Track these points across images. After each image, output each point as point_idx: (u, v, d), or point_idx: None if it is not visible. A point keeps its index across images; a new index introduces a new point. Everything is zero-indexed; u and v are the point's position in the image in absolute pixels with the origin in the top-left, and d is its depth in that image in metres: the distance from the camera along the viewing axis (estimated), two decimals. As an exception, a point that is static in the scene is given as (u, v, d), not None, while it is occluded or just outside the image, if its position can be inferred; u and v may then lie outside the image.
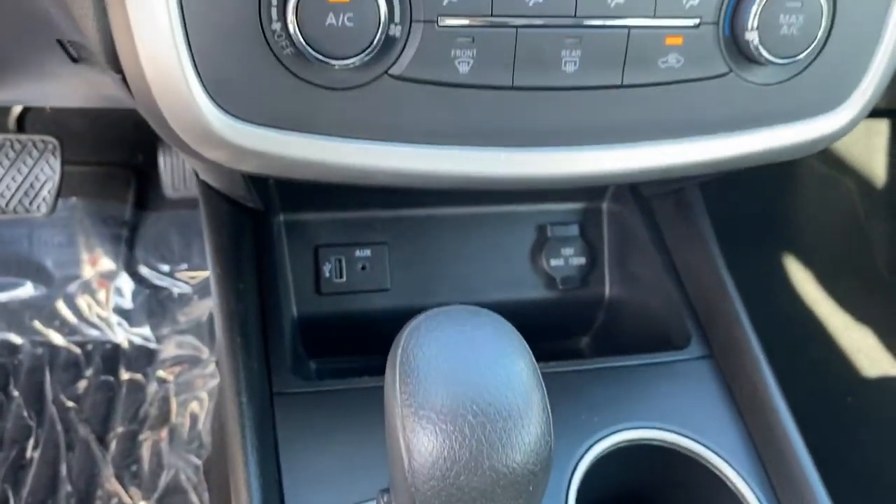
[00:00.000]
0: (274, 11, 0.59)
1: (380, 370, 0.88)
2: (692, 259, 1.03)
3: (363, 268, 1.05)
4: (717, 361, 0.93)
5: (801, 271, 1.69)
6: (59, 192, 1.59)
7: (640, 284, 1.08)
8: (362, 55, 0.60)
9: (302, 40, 0.59)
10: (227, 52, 0.60)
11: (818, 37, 0.68)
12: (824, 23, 0.68)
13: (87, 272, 1.79)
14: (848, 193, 1.66)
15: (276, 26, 0.60)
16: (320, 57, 0.59)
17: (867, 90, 0.73)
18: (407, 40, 0.62)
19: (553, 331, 1.13)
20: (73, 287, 1.77)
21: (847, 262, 1.69)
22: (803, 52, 0.68)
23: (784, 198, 1.71)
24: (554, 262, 1.10)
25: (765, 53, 0.67)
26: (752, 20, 0.66)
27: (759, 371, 0.89)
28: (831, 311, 1.66)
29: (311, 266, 1.04)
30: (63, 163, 1.61)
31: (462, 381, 0.50)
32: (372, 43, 0.60)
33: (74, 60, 0.85)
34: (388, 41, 0.61)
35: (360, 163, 0.66)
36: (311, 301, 1.03)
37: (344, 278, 1.05)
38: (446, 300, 1.07)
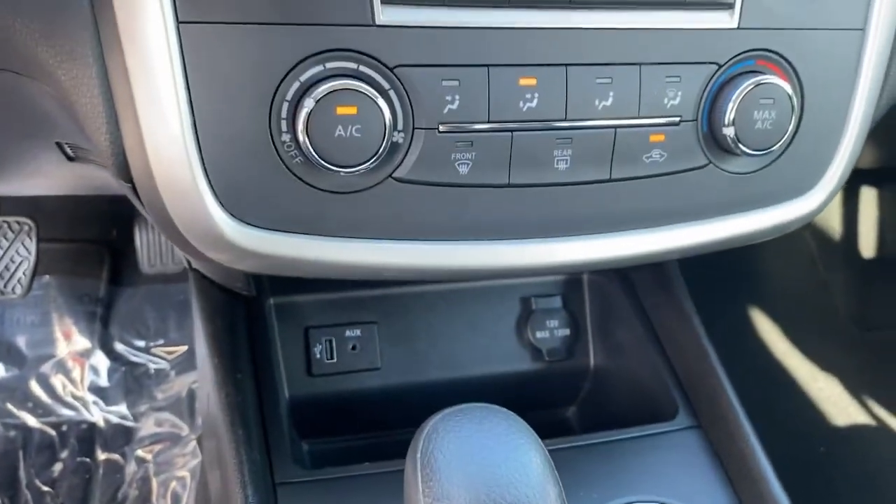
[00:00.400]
0: (284, 124, 0.62)
1: (379, 454, 0.90)
2: (673, 328, 1.07)
3: (353, 347, 1.07)
4: (705, 431, 0.96)
5: (767, 323, 1.74)
6: (35, 273, 1.58)
7: (623, 354, 1.11)
8: (369, 163, 0.63)
9: (312, 151, 0.61)
10: (238, 162, 0.63)
11: (789, 129, 0.73)
12: (794, 116, 0.73)
13: (61, 351, 1.76)
14: (807, 246, 1.73)
15: (286, 137, 0.62)
16: (329, 166, 0.62)
17: (836, 174, 0.79)
18: (410, 146, 0.65)
19: (540, 401, 1.15)
20: (46, 367, 1.74)
21: (811, 313, 1.75)
22: (777, 143, 0.73)
23: (748, 251, 1.77)
24: (540, 335, 1.12)
25: (741, 146, 0.72)
26: (729, 116, 0.71)
27: (746, 439, 0.92)
28: (799, 361, 1.71)
29: (301, 348, 1.05)
30: (38, 243, 1.60)
31: (483, 481, 0.52)
32: (378, 151, 0.63)
33: (70, 159, 0.86)
34: (392, 147, 0.64)
35: (364, 261, 0.68)
36: (302, 383, 1.04)
37: (335, 359, 1.06)
38: (436, 377, 1.09)
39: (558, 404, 1.17)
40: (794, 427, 1.62)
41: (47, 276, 1.79)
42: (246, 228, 0.65)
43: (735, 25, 0.70)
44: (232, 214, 0.64)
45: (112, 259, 1.87)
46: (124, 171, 0.65)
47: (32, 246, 1.57)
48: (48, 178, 1.02)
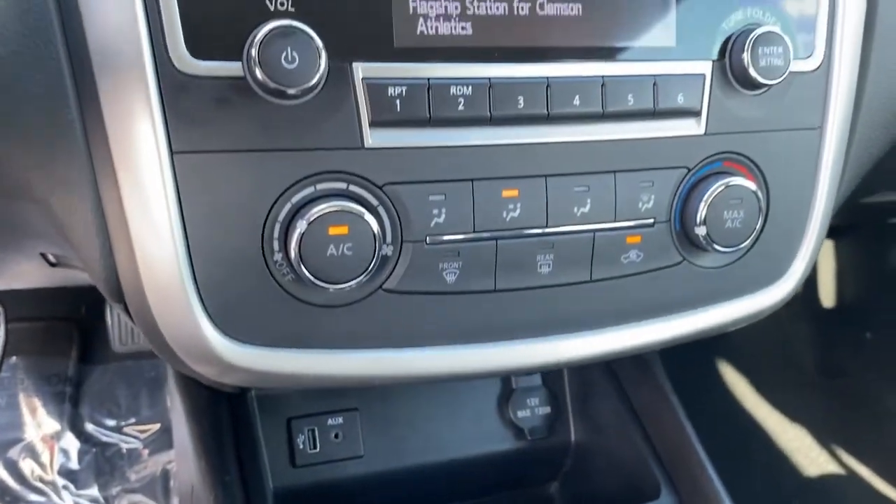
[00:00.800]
0: (276, 244, 0.63)
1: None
2: (650, 403, 1.09)
3: (336, 436, 1.07)
4: (688, 510, 0.98)
5: (737, 377, 1.77)
6: (3, 357, 1.55)
7: (603, 430, 1.13)
8: (360, 278, 0.64)
9: (305, 270, 0.63)
10: (230, 282, 0.64)
11: (757, 226, 0.76)
12: (761, 214, 0.76)
13: (30, 434, 1.72)
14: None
15: (278, 257, 0.64)
16: (321, 283, 0.63)
17: (802, 263, 0.82)
18: (398, 258, 0.67)
19: (522, 480, 1.16)
20: (14, 451, 1.70)
21: (778, 366, 1.79)
22: (746, 239, 0.76)
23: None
24: (521, 414, 1.14)
25: (714, 245, 0.75)
26: (700, 216, 0.74)
27: (728, 517, 0.94)
28: (767, 413, 1.74)
29: (284, 439, 1.05)
30: (6, 325, 1.58)
31: None
32: (368, 267, 0.64)
33: (52, 265, 0.86)
34: (382, 261, 0.66)
35: (355, 371, 0.69)
36: (287, 475, 1.03)
37: (318, 448, 1.06)
38: (419, 461, 1.10)
39: (541, 482, 1.18)
40: (768, 481, 1.64)
41: (14, 358, 1.76)
42: (237, 345, 0.66)
43: (702, 132, 0.74)
44: (224, 332, 0.65)
45: (81, 337, 1.84)
46: (116, 293, 0.66)
47: (1, 330, 1.54)
48: (25, 277, 1.01)
